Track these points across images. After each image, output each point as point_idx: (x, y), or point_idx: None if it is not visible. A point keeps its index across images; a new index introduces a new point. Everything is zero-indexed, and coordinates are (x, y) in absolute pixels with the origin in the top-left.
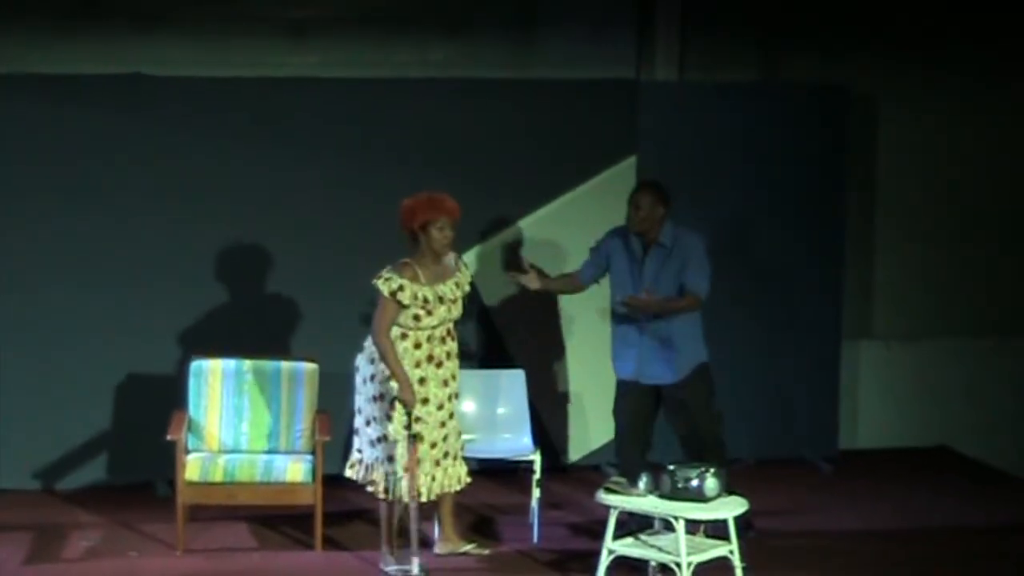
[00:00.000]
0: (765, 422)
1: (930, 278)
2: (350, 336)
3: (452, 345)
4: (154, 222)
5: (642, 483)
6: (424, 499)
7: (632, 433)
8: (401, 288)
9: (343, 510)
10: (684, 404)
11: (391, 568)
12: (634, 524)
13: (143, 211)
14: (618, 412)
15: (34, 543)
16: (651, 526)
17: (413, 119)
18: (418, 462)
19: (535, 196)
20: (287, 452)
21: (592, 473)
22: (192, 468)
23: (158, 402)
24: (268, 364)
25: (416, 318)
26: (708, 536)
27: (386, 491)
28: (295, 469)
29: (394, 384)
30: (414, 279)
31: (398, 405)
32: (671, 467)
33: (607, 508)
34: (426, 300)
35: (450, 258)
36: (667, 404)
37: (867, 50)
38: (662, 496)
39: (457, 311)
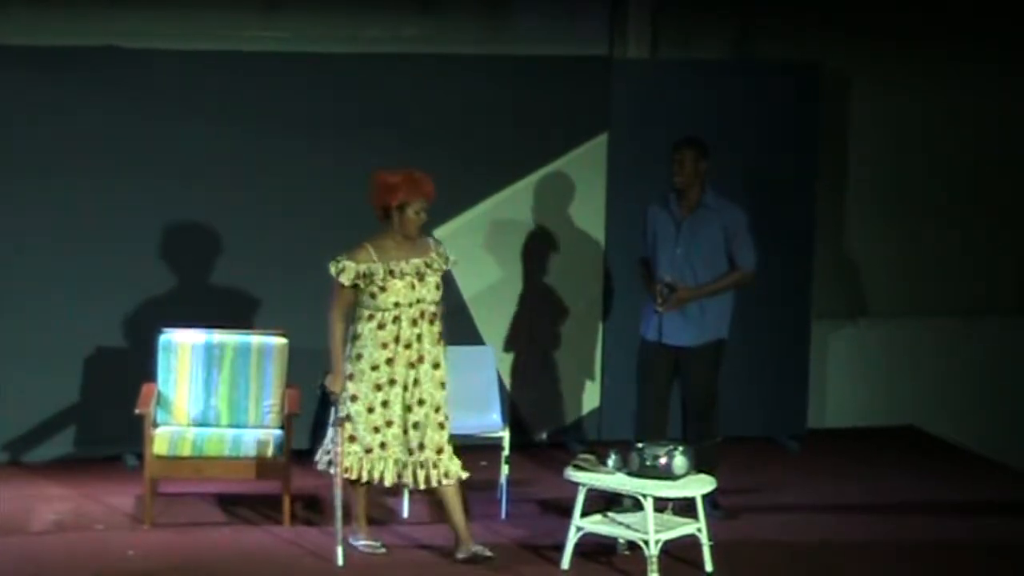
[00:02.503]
0: (733, 401)
1: (900, 257)
2: (320, 310)
3: (428, 328)
4: (124, 194)
5: (611, 460)
6: (388, 483)
7: (654, 396)
8: (344, 269)
9: (312, 485)
10: (690, 374)
11: (360, 543)
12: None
13: (113, 183)
14: (641, 374)
15: (1, 516)
16: (619, 503)
17: (385, 95)
18: (351, 441)
19: (507, 172)
20: (256, 427)
21: (562, 450)
22: (160, 442)
23: (127, 375)
24: (237, 338)
25: (372, 295)
26: (676, 514)
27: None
28: (264, 444)
29: (354, 368)
30: (365, 259)
31: (350, 386)
32: (639, 445)
33: (575, 485)
34: (371, 275)
35: (426, 240)
36: (680, 370)
37: (840, 28)
38: (630, 474)
39: (426, 291)
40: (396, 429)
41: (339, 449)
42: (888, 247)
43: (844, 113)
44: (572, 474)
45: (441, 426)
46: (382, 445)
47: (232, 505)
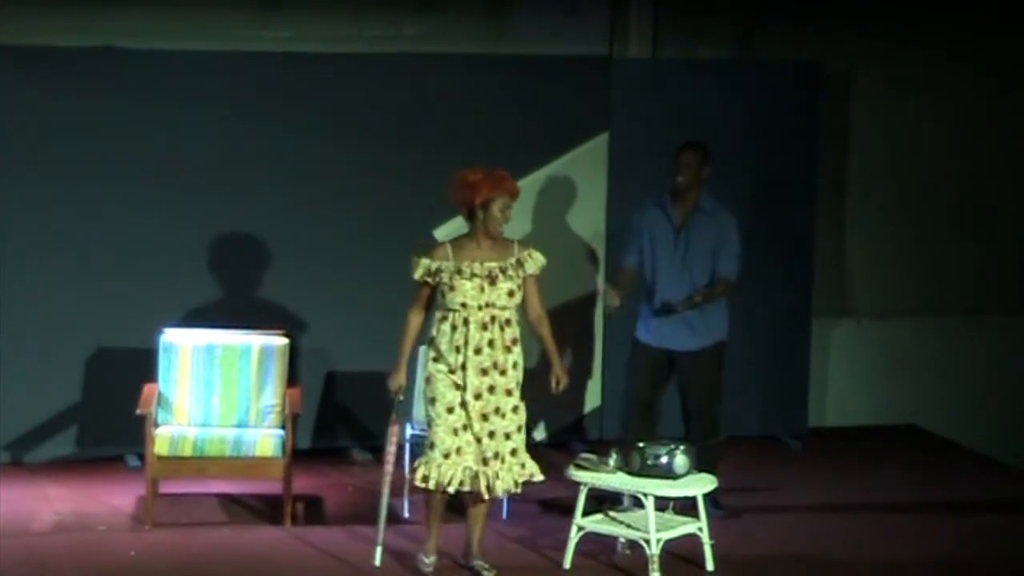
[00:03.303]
0: (735, 399)
1: (901, 256)
2: (323, 309)
3: (500, 335)
4: (125, 195)
5: (612, 460)
6: (453, 488)
7: (642, 397)
8: (416, 265)
9: (313, 485)
10: (693, 376)
11: (427, 567)
12: (606, 501)
13: (114, 183)
14: (631, 374)
15: (3, 516)
16: (620, 503)
17: (386, 94)
18: (431, 447)
19: (508, 172)
20: (257, 427)
21: (562, 450)
22: (162, 442)
23: (129, 375)
24: (239, 338)
25: (443, 295)
26: (677, 513)
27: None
28: (265, 444)
29: (432, 369)
30: (440, 256)
31: (429, 390)
32: (640, 444)
33: (577, 485)
34: (439, 272)
35: (511, 244)
36: (680, 373)
37: (840, 27)
38: (631, 473)
39: (497, 298)
40: (470, 436)
41: (391, 448)
42: (888, 246)
43: (845, 113)
44: (574, 473)
45: (508, 436)
46: (458, 450)
47: (233, 505)
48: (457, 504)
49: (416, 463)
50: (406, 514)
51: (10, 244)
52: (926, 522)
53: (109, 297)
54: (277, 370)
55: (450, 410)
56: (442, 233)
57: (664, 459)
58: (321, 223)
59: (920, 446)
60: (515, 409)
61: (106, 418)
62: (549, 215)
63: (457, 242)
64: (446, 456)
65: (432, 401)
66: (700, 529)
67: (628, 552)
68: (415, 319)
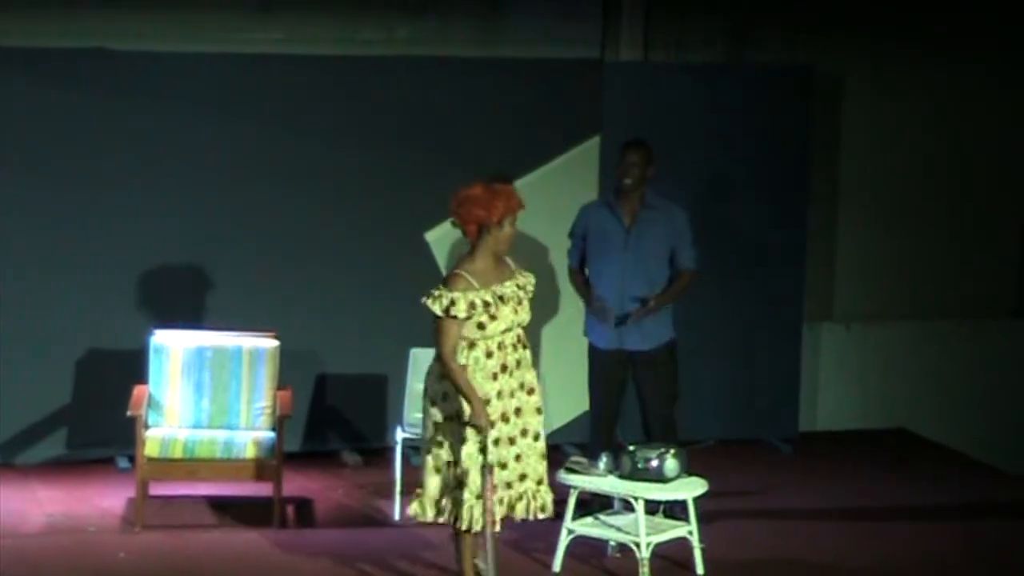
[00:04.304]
0: (726, 403)
1: (892, 260)
2: (314, 311)
3: (524, 353)
4: (115, 196)
5: (602, 463)
6: (498, 527)
7: (608, 406)
8: (453, 303)
9: (303, 488)
10: (648, 377)
11: None
12: (596, 504)
13: (104, 185)
14: (594, 383)
15: None
16: (611, 506)
17: (378, 97)
18: (494, 488)
19: (499, 175)
20: (247, 429)
21: (554, 453)
22: (152, 444)
23: (119, 377)
24: (229, 341)
25: (480, 326)
26: (667, 516)
27: (456, 519)
28: (255, 446)
29: (467, 407)
30: (467, 288)
31: (470, 430)
32: (631, 447)
33: (567, 488)
34: (487, 304)
35: (506, 261)
36: (636, 374)
37: (832, 31)
38: (622, 476)
39: (524, 315)
40: (503, 471)
41: (490, 494)
42: (880, 250)
43: (837, 116)
44: (565, 477)
45: (543, 456)
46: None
47: (223, 507)
48: None
49: (450, 506)
50: (396, 517)
51: (0, 245)
52: (916, 526)
53: (99, 299)
54: (268, 372)
55: (482, 450)
56: (434, 236)
57: (655, 463)
58: (312, 225)
59: (910, 450)
60: (540, 429)
61: (96, 420)
62: (541, 218)
63: (468, 268)
64: (478, 497)
65: (463, 441)
66: (690, 533)
67: (619, 555)
68: (459, 364)
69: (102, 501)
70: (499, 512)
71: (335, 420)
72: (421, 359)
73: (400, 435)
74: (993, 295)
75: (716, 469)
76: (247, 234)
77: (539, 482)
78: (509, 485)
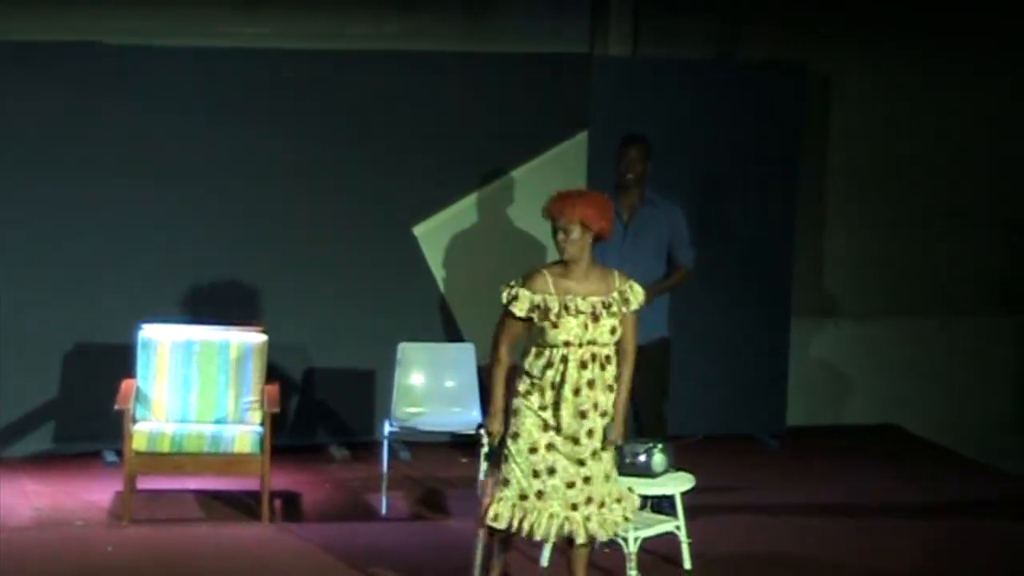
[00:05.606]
0: (713, 398)
1: (880, 256)
2: (302, 305)
3: (600, 374)
4: (105, 190)
5: None
6: (540, 537)
7: None
8: (516, 298)
9: (291, 482)
10: (639, 371)
11: None
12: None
13: (94, 178)
14: None
15: None
16: None
17: (367, 92)
18: (504, 484)
19: (488, 169)
20: (235, 423)
21: None
22: (140, 438)
23: (106, 371)
24: (217, 335)
25: (542, 331)
26: (655, 511)
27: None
28: (243, 440)
29: (521, 404)
30: (542, 288)
31: (509, 439)
32: (619, 443)
33: None
34: (548, 309)
35: (609, 273)
36: None
37: (823, 28)
38: None
39: (599, 335)
40: (558, 481)
41: (488, 490)
42: (869, 247)
43: (826, 113)
44: None
45: (608, 477)
46: (539, 494)
47: (211, 501)
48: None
49: (487, 500)
50: (383, 511)
51: None
52: (904, 521)
53: (87, 292)
54: (255, 366)
55: (533, 450)
56: (422, 230)
57: (642, 457)
58: (300, 220)
59: (898, 445)
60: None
61: (84, 413)
62: (529, 213)
63: (554, 269)
64: (522, 498)
65: (515, 436)
66: (678, 528)
67: (606, 551)
68: (508, 358)
69: (90, 495)
70: (542, 531)
71: (323, 414)
72: (409, 353)
73: (388, 429)
74: (980, 292)
75: (704, 464)
76: (235, 228)
77: (602, 505)
78: (574, 507)
